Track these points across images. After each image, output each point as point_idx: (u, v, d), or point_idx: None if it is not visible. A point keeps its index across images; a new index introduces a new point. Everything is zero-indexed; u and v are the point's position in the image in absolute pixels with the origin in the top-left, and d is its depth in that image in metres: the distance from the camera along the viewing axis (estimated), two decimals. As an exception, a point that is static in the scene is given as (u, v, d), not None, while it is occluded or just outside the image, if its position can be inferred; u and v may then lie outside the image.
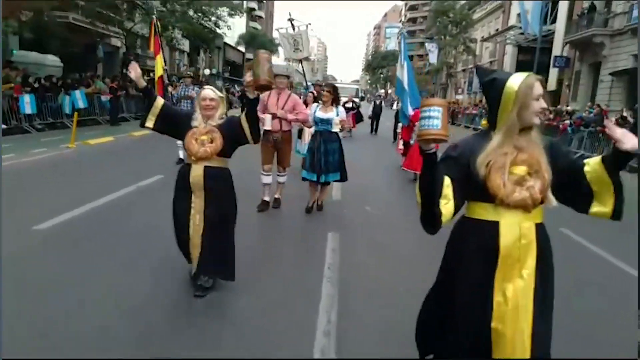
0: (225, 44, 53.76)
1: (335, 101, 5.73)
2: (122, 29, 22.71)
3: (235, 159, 3.46)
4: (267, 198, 5.85)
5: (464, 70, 45.55)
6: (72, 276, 3.55)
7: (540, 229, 1.92)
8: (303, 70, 9.29)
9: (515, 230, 1.86)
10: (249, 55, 63.04)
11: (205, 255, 3.24)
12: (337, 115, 5.74)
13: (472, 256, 1.92)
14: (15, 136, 11.27)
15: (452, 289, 1.99)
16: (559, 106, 20.75)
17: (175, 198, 3.37)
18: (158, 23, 8.09)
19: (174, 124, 3.36)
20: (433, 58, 42.05)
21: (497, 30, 37.49)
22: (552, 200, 1.90)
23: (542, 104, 1.84)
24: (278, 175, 5.97)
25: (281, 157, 5.85)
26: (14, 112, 11.88)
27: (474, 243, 1.93)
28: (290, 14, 9.66)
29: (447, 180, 1.88)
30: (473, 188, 1.88)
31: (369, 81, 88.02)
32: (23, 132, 11.97)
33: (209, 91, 3.32)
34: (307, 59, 9.23)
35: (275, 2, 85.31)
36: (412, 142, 7.86)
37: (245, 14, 22.29)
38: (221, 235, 3.32)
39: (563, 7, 26.19)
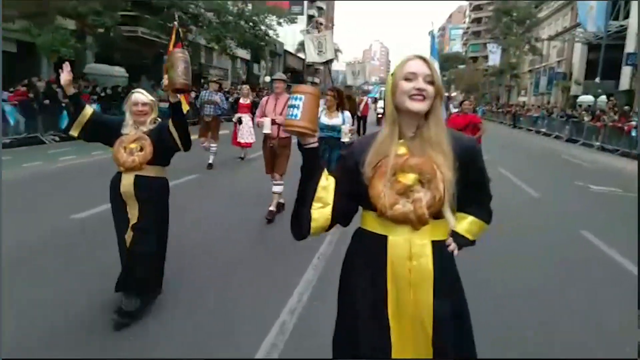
0: (286, 51, 55.29)
1: (341, 105, 5.52)
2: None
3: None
4: (272, 208, 5.64)
5: (530, 71, 43.57)
6: (86, 261, 4.10)
7: (439, 247, 1.56)
8: (329, 72, 9.42)
9: (404, 249, 1.53)
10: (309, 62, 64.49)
11: (128, 270, 3.03)
12: (344, 122, 5.50)
13: (360, 276, 1.61)
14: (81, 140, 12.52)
15: (347, 310, 1.67)
16: (626, 107, 19.27)
17: (113, 211, 3.14)
18: (180, 30, 8.35)
19: (105, 131, 3.15)
20: (494, 59, 40.63)
21: (564, 28, 35.50)
22: (450, 219, 1.54)
23: (418, 84, 1.49)
24: (274, 183, 5.70)
25: (277, 164, 5.60)
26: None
27: (363, 260, 1.62)
28: (316, 16, 9.83)
29: (325, 181, 1.60)
30: (361, 193, 1.57)
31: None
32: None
33: (140, 95, 3.08)
34: (330, 61, 9.21)
35: (335, 8, 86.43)
36: None
37: (291, 22, 22.45)
38: (147, 247, 3.05)
39: (636, 1, 24.34)
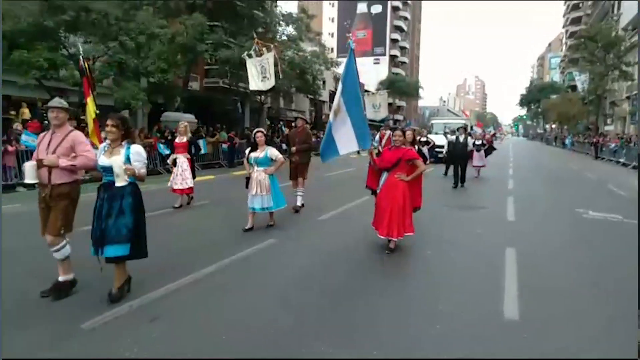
0: (366, 91, 57.33)
1: (127, 136, 4.12)
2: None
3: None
4: (63, 277, 4.24)
5: (628, 98, 40.06)
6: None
7: None
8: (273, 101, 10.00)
9: None
10: (389, 100, 65.63)
11: None
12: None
13: None
14: (150, 177, 14.97)
15: None
16: None
17: None
18: (86, 64, 7.94)
19: None
20: (579, 87, 38.23)
21: (659, 49, 32.53)
22: None
23: None
24: (53, 250, 4.18)
25: (49, 222, 4.14)
26: (152, 157, 15.80)
27: None
28: (255, 36, 9.12)
29: None
30: None
31: (525, 116, 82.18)
32: (158, 173, 15.76)
33: None
34: (273, 88, 8.97)
35: (422, 45, 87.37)
36: (378, 190, 5.94)
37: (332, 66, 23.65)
38: None
39: None
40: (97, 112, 7.72)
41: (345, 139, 5.64)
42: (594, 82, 37.06)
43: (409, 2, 76.88)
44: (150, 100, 15.53)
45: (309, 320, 3.81)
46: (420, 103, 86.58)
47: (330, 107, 28.68)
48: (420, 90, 63.96)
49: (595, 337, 3.62)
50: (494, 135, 45.29)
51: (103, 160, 4.03)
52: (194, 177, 8.81)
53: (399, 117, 68.48)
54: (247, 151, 7.01)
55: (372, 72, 66.74)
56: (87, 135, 10.16)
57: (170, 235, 6.69)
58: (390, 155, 5.70)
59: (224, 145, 19.08)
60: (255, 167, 6.72)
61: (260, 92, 28.26)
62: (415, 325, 3.74)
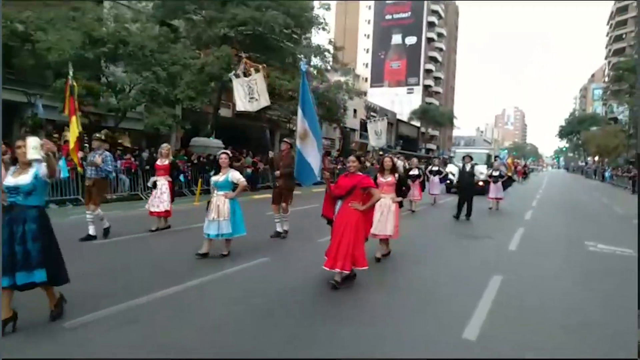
0: (399, 120, 57.65)
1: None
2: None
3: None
4: None
5: (672, 131, 38.53)
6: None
7: None
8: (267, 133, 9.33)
9: None
10: (423, 130, 65.55)
11: None
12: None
13: None
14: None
15: None
16: None
17: None
18: (74, 84, 7.82)
19: None
20: (622, 119, 37.12)
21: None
22: None
23: None
24: None
25: None
26: (178, 180, 16.56)
27: None
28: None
29: None
30: None
31: (565, 148, 79.81)
32: (181, 195, 16.47)
33: None
34: (268, 108, 8.19)
35: (457, 74, 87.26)
36: (334, 218, 5.53)
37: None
38: None
39: None
40: (81, 131, 7.82)
41: (316, 164, 5.74)
42: (632, 113, 35.91)
43: (444, 34, 77.45)
44: (181, 126, 16.51)
45: (276, 335, 4.06)
46: (456, 133, 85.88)
47: (361, 136, 28.97)
48: (455, 120, 63.59)
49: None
50: (525, 166, 44.27)
51: (9, 181, 3.84)
52: (172, 200, 8.62)
53: (432, 146, 68.12)
54: (212, 174, 6.80)
55: (405, 101, 67.22)
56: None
57: (165, 253, 7.06)
58: (346, 182, 5.38)
59: (248, 170, 19.74)
60: (215, 191, 6.46)
61: (288, 121, 29.09)
62: (371, 336, 3.92)
